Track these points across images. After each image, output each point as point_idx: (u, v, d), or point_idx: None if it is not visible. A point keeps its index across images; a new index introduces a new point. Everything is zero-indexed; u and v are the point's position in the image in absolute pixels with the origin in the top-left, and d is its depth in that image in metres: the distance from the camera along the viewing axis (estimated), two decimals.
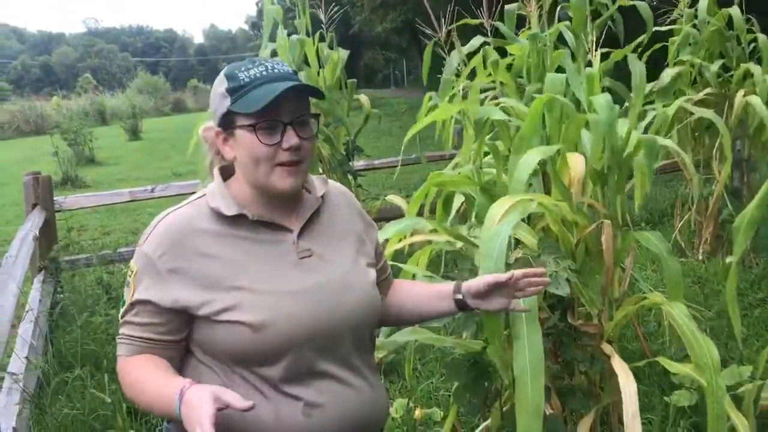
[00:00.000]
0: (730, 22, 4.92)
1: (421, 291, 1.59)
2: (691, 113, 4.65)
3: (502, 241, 1.78)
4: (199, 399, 1.13)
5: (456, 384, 2.10)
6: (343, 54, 4.55)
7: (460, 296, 1.49)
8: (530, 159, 2.01)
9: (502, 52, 3.00)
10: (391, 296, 1.59)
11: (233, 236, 1.32)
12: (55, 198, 4.86)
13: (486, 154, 2.65)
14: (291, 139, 1.30)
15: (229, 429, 1.24)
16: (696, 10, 4.91)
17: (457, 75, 2.87)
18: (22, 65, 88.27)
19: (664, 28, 4.91)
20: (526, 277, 1.46)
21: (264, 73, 1.31)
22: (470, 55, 3.02)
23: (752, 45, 4.99)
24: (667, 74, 4.45)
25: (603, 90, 2.35)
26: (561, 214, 2.08)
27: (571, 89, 2.41)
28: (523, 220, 2.25)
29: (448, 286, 1.52)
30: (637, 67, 2.79)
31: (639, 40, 3.74)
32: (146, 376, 1.27)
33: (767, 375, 2.98)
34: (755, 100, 4.42)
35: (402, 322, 1.64)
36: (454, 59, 2.74)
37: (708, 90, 4.76)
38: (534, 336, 1.70)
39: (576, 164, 2.14)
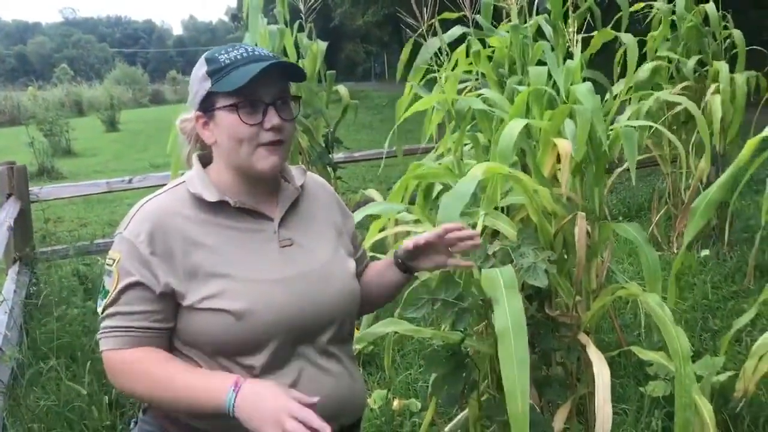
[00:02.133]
0: (706, 19, 4.99)
1: (379, 266, 1.59)
2: (668, 109, 4.70)
3: (471, 183, 1.84)
4: (271, 391, 1.16)
5: (434, 375, 2.10)
6: (322, 45, 4.52)
7: (399, 259, 1.51)
8: (515, 126, 2.00)
9: (484, 45, 3.00)
10: (362, 281, 1.58)
11: (214, 224, 1.31)
12: (30, 188, 4.79)
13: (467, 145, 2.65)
14: (273, 118, 1.29)
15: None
16: (674, 5, 4.96)
17: (439, 65, 2.86)
18: None
19: (640, 10, 4.94)
20: (448, 233, 1.43)
21: (245, 54, 1.31)
22: (452, 46, 3.01)
23: (727, 41, 5.07)
24: (645, 69, 4.49)
25: (584, 80, 2.35)
26: (541, 204, 2.09)
27: (554, 81, 2.41)
28: (502, 210, 2.26)
29: (392, 254, 1.55)
30: (629, 41, 2.91)
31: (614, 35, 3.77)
32: (174, 370, 1.24)
33: (734, 361, 3.05)
34: (716, 100, 4.52)
35: (375, 304, 1.63)
36: (431, 46, 2.72)
37: (685, 83, 4.82)
38: (513, 299, 1.69)
39: (565, 148, 2.13)
